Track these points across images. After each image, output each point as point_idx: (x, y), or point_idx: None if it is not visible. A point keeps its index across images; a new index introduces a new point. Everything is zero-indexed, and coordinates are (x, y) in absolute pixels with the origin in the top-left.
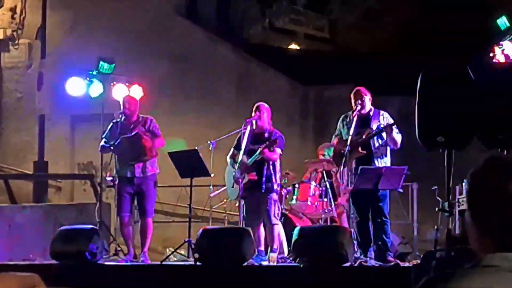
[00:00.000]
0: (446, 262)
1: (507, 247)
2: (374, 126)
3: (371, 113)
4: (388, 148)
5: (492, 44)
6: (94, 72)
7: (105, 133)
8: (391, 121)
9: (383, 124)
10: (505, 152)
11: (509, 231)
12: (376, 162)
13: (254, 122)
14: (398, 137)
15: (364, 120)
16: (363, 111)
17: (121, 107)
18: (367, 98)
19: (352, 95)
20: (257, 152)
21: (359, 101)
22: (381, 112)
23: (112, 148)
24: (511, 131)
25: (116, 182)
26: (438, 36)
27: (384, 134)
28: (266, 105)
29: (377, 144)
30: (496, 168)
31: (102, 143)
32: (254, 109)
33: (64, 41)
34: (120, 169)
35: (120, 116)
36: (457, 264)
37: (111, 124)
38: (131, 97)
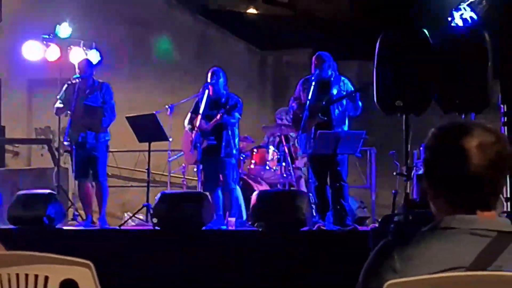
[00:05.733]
0: (403, 226)
1: (460, 206)
2: (334, 91)
3: (332, 79)
4: (347, 115)
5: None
6: (51, 36)
7: (60, 94)
8: (351, 87)
9: (344, 90)
10: (463, 116)
11: (461, 190)
12: (335, 129)
13: (210, 87)
14: (359, 103)
15: (325, 85)
16: (324, 76)
17: (76, 70)
18: (329, 63)
19: (314, 59)
20: (217, 117)
21: (322, 65)
22: (342, 77)
23: (68, 111)
24: (468, 95)
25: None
26: (397, 1)
27: (344, 101)
28: (221, 69)
29: (337, 111)
30: (452, 128)
31: (57, 104)
32: (210, 74)
33: (21, 4)
34: (72, 133)
35: (76, 79)
36: (415, 228)
37: (66, 85)
38: (87, 60)
